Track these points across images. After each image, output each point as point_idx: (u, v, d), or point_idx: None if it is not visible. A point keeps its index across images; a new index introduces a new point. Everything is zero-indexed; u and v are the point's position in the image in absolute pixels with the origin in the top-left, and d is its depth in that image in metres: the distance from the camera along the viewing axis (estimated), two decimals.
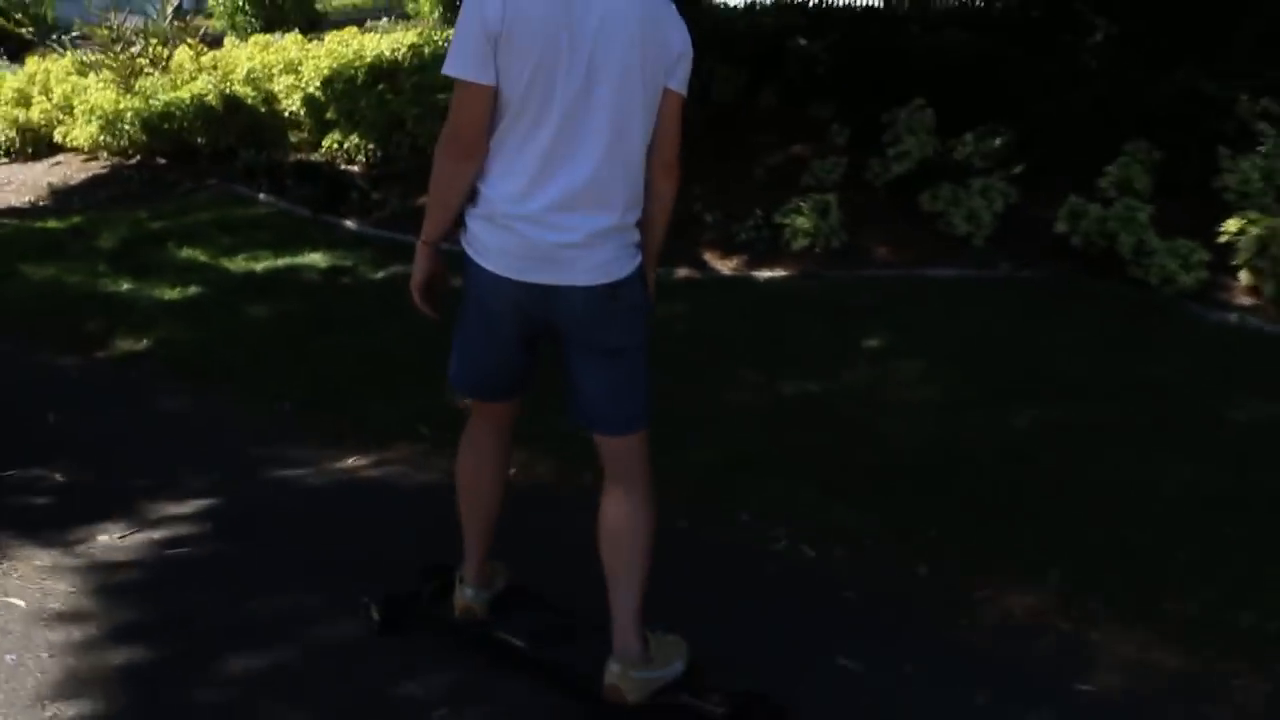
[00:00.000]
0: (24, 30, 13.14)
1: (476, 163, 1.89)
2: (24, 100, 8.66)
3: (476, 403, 2.22)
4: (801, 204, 4.66)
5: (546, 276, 1.93)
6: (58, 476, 2.97)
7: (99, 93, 8.06)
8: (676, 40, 1.89)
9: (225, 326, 4.12)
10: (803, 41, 6.53)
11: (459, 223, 1.99)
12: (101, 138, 7.75)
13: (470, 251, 2.00)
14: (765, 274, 4.57)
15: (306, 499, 2.83)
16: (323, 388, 3.50)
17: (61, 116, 8.35)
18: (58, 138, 8.32)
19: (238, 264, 4.96)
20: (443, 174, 1.96)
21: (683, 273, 4.60)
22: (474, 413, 2.23)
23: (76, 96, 8.23)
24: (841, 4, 8.25)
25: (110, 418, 3.38)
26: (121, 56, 8.58)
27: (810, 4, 7.87)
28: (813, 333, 3.88)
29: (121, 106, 7.73)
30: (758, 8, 8.17)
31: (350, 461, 3.02)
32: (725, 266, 4.71)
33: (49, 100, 8.47)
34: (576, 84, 1.84)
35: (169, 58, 8.81)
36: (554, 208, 1.90)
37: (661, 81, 1.89)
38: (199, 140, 7.74)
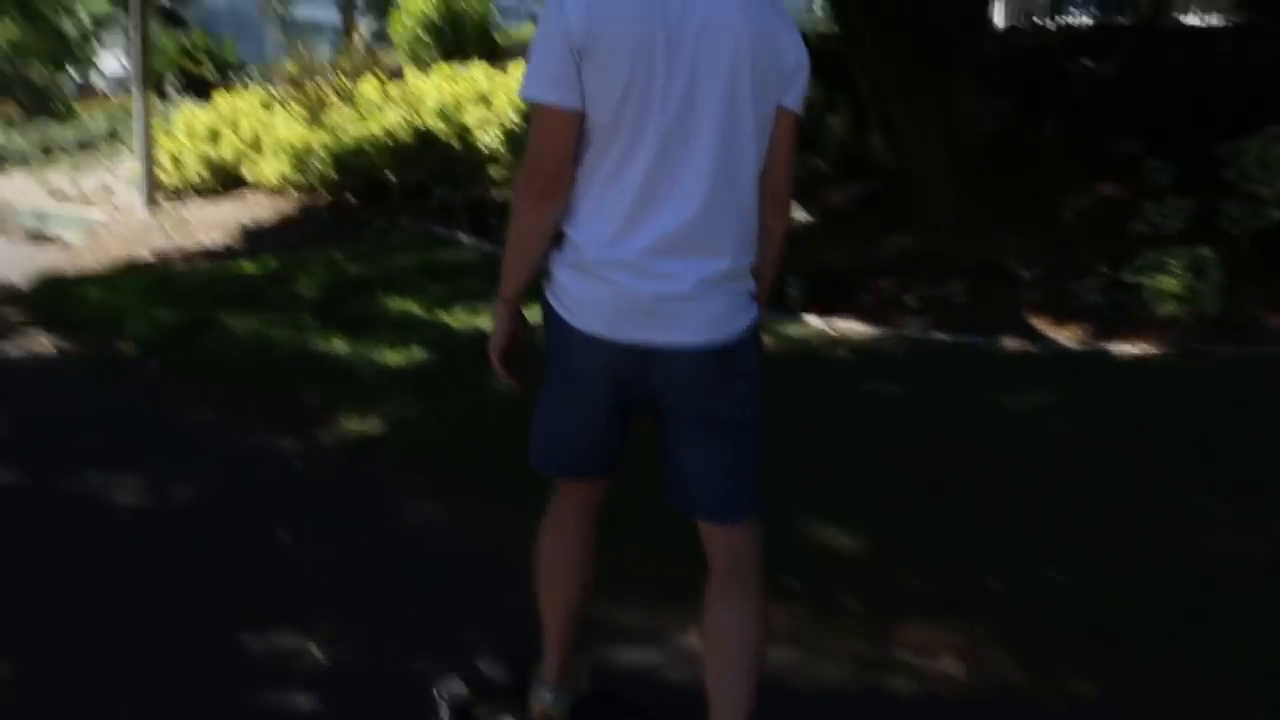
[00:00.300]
0: (206, 71, 13.37)
1: (561, 202, 1.66)
2: (214, 136, 8.54)
3: (562, 483, 1.97)
4: (1167, 260, 3.71)
5: (646, 335, 1.68)
6: (318, 654, 2.15)
7: (286, 127, 7.81)
8: (791, 50, 1.66)
9: (465, 401, 3.36)
10: (1089, 63, 5.59)
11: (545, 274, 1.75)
12: (290, 174, 7.45)
13: (556, 306, 1.76)
14: (1123, 348, 3.66)
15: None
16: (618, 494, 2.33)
17: (250, 153, 8.15)
18: (246, 174, 8.11)
19: (458, 319, 4.30)
20: (522, 217, 1.73)
21: (1012, 344, 3.71)
22: (559, 495, 1.98)
23: (265, 132, 8.00)
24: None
25: (358, 539, 2.61)
26: (308, 88, 8.40)
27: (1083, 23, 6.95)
28: (1261, 437, 2.92)
29: (311, 142, 7.43)
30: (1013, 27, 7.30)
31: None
32: (1063, 336, 3.80)
33: (238, 136, 8.29)
34: (676, 102, 1.61)
35: (354, 90, 8.58)
36: (654, 252, 1.66)
37: (775, 99, 1.67)
38: (390, 177, 7.35)
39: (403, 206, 7.03)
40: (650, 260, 1.67)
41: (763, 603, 1.84)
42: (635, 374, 1.74)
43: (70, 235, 9.13)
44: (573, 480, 1.95)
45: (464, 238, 5.94)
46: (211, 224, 7.44)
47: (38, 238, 9.83)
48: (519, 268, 1.77)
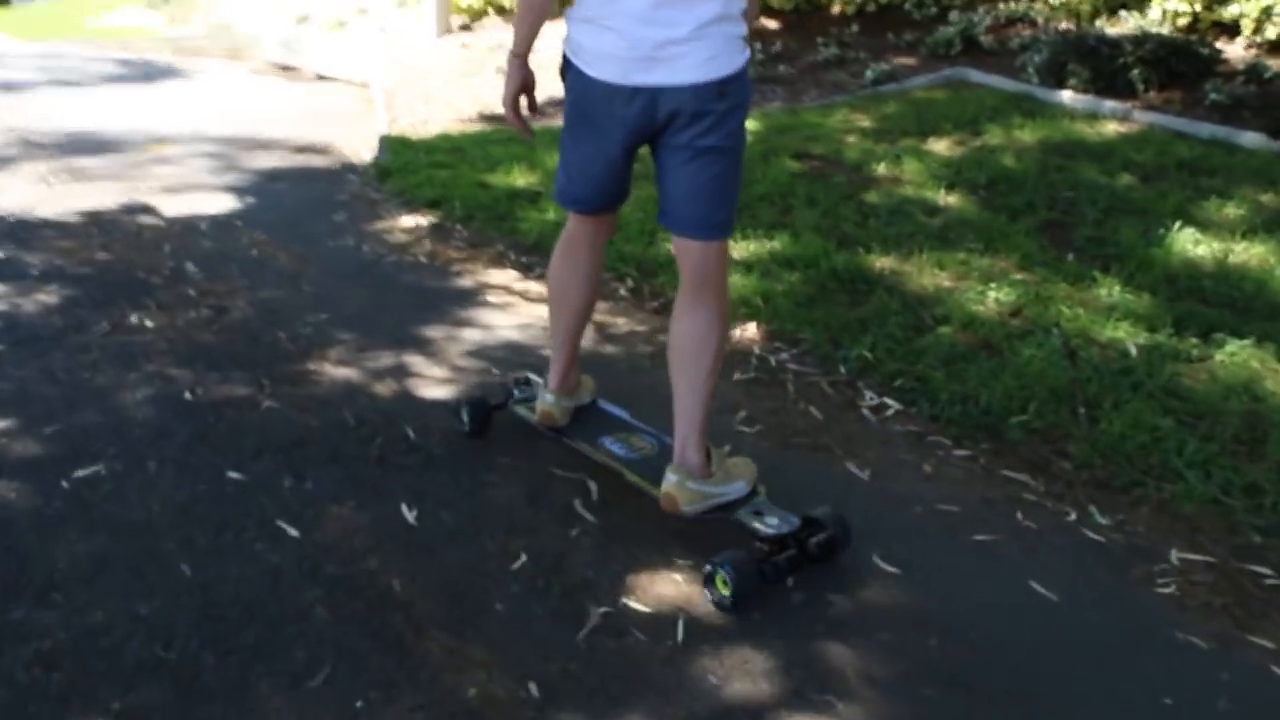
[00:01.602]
0: None
1: None
2: None
3: (576, 215, 2.27)
4: None
5: (654, 77, 1.91)
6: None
7: None
8: None
9: None
10: None
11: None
12: None
13: (574, 59, 1.99)
14: None
15: None
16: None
17: None
18: None
19: None
20: None
21: None
22: (573, 224, 2.29)
23: None
24: None
25: None
26: None
27: None
28: None
29: None
30: None
31: None
32: None
33: None
34: None
35: None
36: (654, 3, 1.87)
37: None
38: None
39: (853, 37, 7.75)
40: (652, 10, 1.89)
41: (723, 314, 2.11)
42: (644, 112, 1.97)
43: (347, 70, 8.93)
44: (587, 214, 2.26)
45: (1111, 104, 5.98)
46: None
47: (286, 68, 9.86)
48: (526, 24, 2.07)
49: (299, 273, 4.28)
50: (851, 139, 5.85)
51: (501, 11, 9.28)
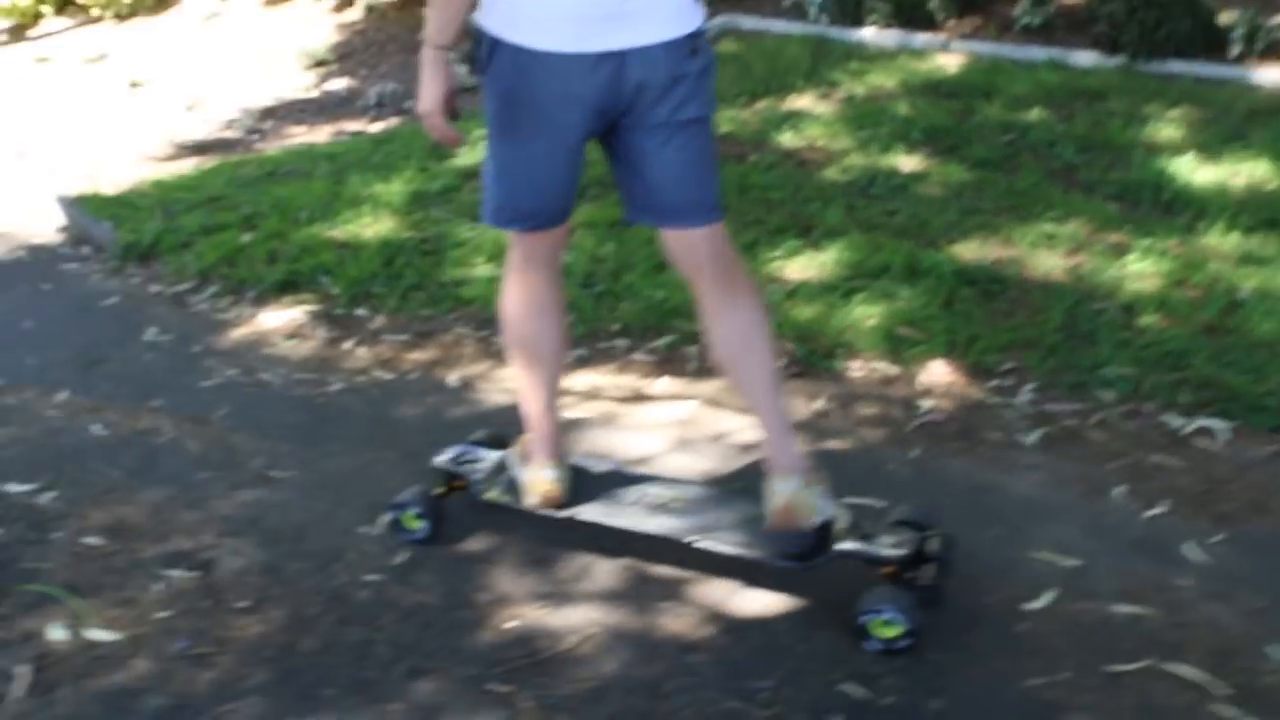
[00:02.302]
0: None
1: None
2: None
3: (521, 236, 1.90)
4: None
5: (620, 39, 1.64)
6: None
7: None
8: None
9: None
10: None
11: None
12: None
13: (510, 37, 1.66)
14: None
15: None
16: None
17: None
18: None
19: None
20: None
21: None
22: (518, 249, 1.92)
23: None
24: None
25: None
26: None
27: None
28: None
29: None
30: None
31: None
32: None
33: None
34: None
35: None
36: None
37: None
38: None
39: None
40: None
41: (755, 290, 1.92)
42: (609, 85, 1.68)
43: None
44: (540, 229, 1.88)
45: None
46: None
47: None
48: (452, 7, 1.70)
49: (237, 454, 2.73)
50: None
51: (65, 7, 7.56)
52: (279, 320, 3.60)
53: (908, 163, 4.36)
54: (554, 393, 2.06)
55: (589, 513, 2.13)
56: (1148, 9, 5.34)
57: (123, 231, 4.49)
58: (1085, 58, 5.56)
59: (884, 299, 3.29)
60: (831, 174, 4.28)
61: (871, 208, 3.96)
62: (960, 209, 3.91)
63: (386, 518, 2.31)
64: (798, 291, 3.36)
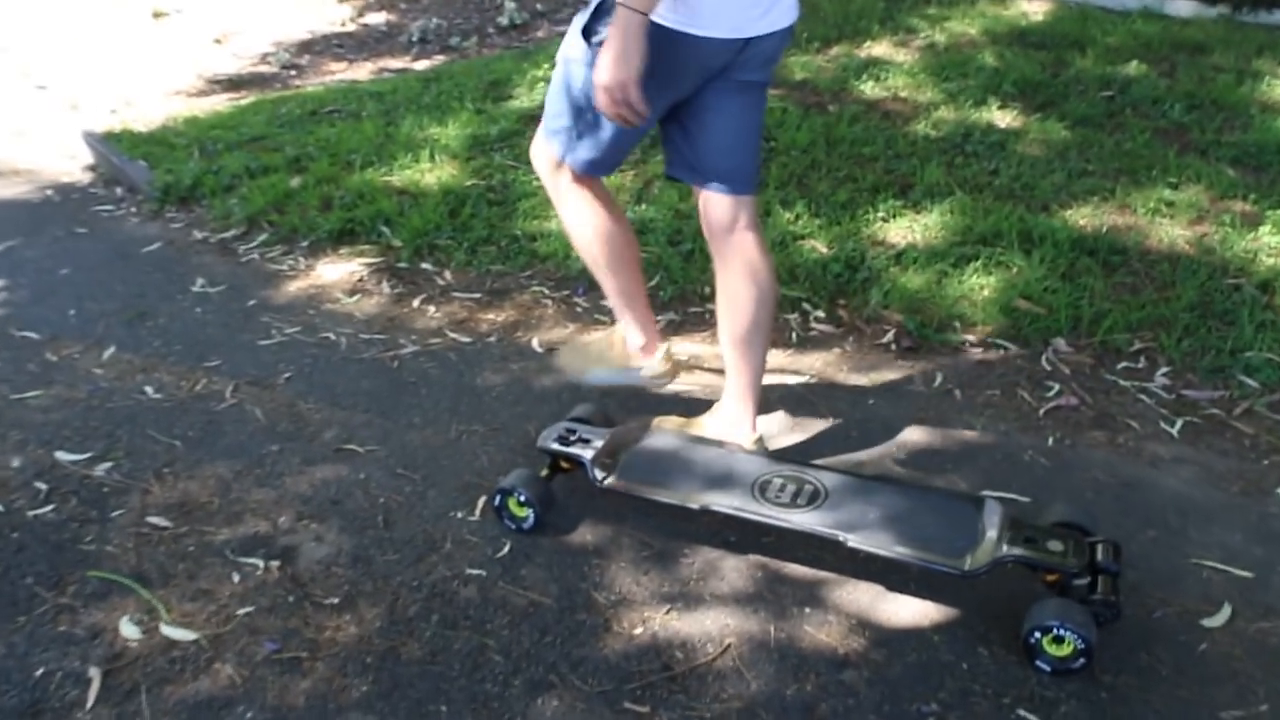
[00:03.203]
0: None
1: None
2: None
3: (592, 178, 2.13)
4: None
5: (764, 24, 1.84)
6: None
7: None
8: None
9: None
10: None
11: None
12: None
13: (684, 27, 1.76)
14: None
15: None
16: None
17: None
18: None
19: None
20: None
21: None
22: (588, 181, 2.13)
23: None
24: None
25: None
26: None
27: None
28: None
29: None
30: None
31: None
32: None
33: None
34: None
35: None
36: None
37: None
38: None
39: None
40: None
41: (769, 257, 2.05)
42: (733, 59, 1.85)
43: None
44: (607, 174, 2.16)
45: None
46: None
47: None
48: None
49: (352, 436, 2.49)
50: None
51: None
52: (338, 273, 3.35)
53: (1002, 118, 4.06)
54: (644, 289, 2.31)
55: (723, 502, 1.91)
56: None
57: (159, 172, 4.23)
58: (1183, 6, 5.22)
59: (998, 268, 3.03)
60: (922, 128, 3.99)
61: (970, 166, 3.68)
62: (1066, 171, 3.62)
63: (490, 502, 2.09)
64: (904, 257, 3.10)
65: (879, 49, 4.86)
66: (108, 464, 2.36)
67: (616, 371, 2.45)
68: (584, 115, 1.96)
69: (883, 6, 5.31)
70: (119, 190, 4.36)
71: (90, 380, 2.75)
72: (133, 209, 4.14)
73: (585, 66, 1.87)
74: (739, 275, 2.04)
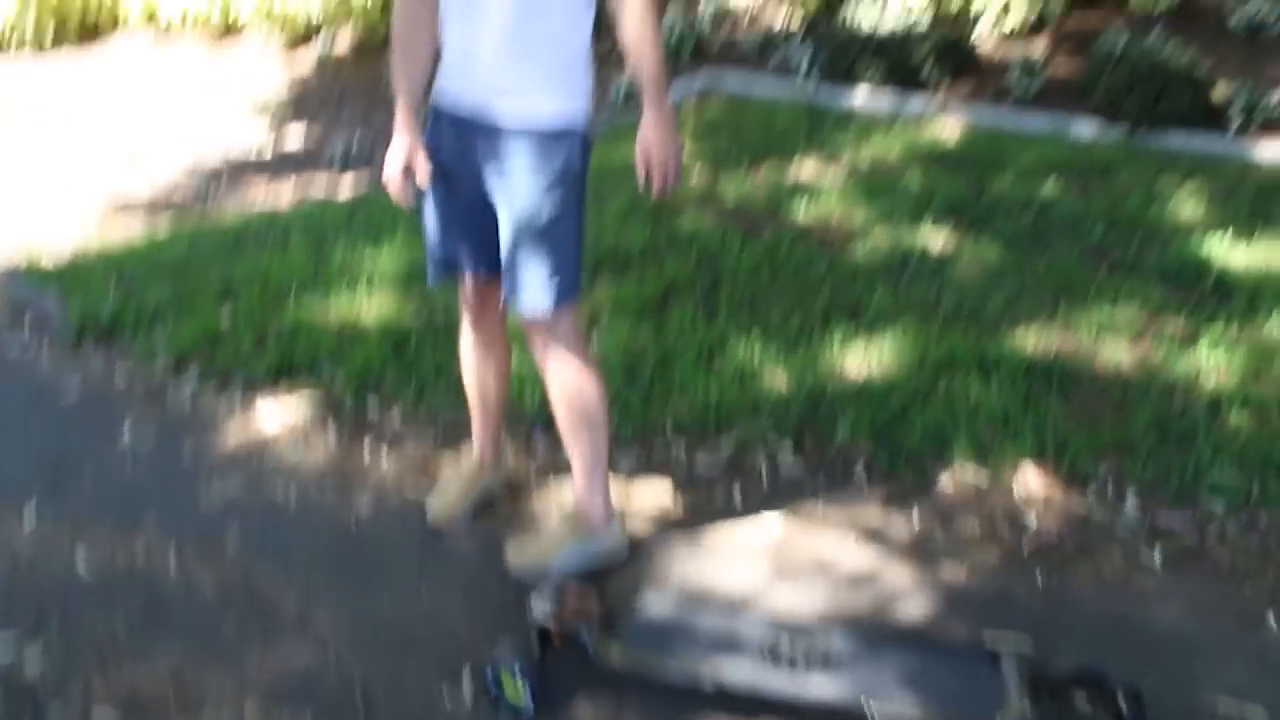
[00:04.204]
0: None
1: None
2: None
3: (575, 309, 2.24)
4: None
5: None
6: None
7: None
8: None
9: None
10: None
11: None
12: None
13: (586, 127, 2.11)
14: None
15: None
16: None
17: None
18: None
19: None
20: None
21: None
22: (573, 321, 2.24)
23: None
24: None
25: None
26: None
27: None
28: None
29: None
30: None
31: None
32: None
33: None
34: None
35: None
36: None
37: None
38: None
39: None
40: None
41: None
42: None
43: None
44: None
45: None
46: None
47: None
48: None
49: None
50: (695, 173, 4.90)
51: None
52: (278, 416, 3.18)
53: (936, 240, 4.16)
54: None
55: (737, 675, 1.81)
56: (1148, 81, 5.30)
57: (74, 306, 4.00)
58: (1085, 128, 5.49)
59: (959, 396, 3.03)
60: (861, 251, 4.05)
61: (914, 289, 3.74)
62: (1006, 293, 3.71)
63: (480, 682, 1.94)
64: (865, 388, 3.09)
65: (806, 170, 4.96)
66: (36, 646, 2.13)
67: (582, 544, 2.35)
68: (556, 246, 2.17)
69: (806, 128, 5.44)
70: (27, 326, 4.10)
71: (8, 549, 2.52)
72: (45, 347, 3.89)
73: None
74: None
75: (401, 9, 2.17)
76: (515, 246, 2.14)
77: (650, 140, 2.05)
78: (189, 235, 4.85)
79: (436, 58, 2.23)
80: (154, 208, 5.61)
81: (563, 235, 2.16)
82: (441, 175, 2.21)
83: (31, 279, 4.33)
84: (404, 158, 2.17)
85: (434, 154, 2.21)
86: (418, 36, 2.16)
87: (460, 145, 2.18)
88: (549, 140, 2.11)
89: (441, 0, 2.14)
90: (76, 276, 4.33)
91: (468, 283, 2.37)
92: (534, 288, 2.14)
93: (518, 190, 2.12)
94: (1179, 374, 3.20)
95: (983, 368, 3.19)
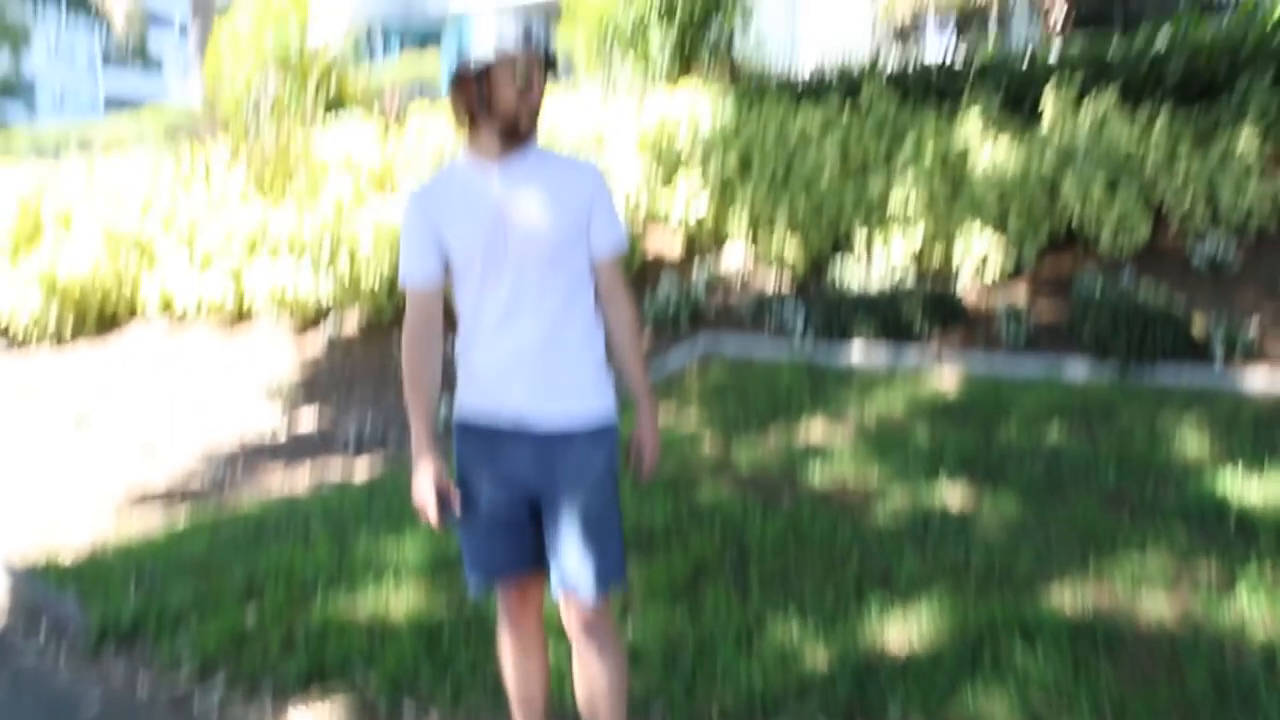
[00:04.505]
0: None
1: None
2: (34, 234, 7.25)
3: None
4: None
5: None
6: None
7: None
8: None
9: None
10: None
11: None
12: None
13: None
14: None
15: None
16: None
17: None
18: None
19: None
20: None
21: None
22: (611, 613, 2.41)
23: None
24: None
25: None
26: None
27: None
28: None
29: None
30: None
31: None
32: None
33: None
34: None
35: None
36: None
37: None
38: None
39: None
40: None
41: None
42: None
43: None
44: None
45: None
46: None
47: None
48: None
49: None
50: (707, 442, 4.99)
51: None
52: None
53: (953, 496, 4.21)
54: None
55: None
56: (1131, 320, 5.54)
57: (94, 609, 3.96)
58: (1077, 368, 5.68)
59: (1007, 667, 2.98)
60: (882, 515, 4.09)
61: (941, 551, 3.75)
62: (1033, 548, 3.72)
63: None
64: (910, 663, 3.04)
65: (815, 430, 5.08)
66: None
67: None
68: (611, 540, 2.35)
69: (808, 388, 5.61)
70: (44, 630, 4.04)
71: None
72: (63, 654, 3.82)
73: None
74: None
75: (412, 346, 2.32)
76: (569, 540, 2.23)
77: (645, 438, 2.40)
78: (209, 527, 4.87)
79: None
80: (172, 498, 5.65)
81: (613, 522, 2.28)
82: (475, 491, 2.29)
83: (49, 579, 4.30)
84: (433, 484, 2.27)
85: (466, 471, 2.30)
86: (430, 369, 2.32)
87: (498, 455, 2.28)
88: (595, 437, 2.26)
89: (465, 327, 2.31)
90: (95, 576, 4.31)
91: (508, 586, 2.40)
92: (589, 575, 2.24)
93: (569, 487, 2.22)
94: (1225, 625, 3.17)
95: (1025, 632, 3.16)
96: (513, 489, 2.29)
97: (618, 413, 2.34)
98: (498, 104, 2.20)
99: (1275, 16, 7.19)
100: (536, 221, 2.23)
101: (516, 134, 2.23)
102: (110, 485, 5.93)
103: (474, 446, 2.32)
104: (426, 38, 25.35)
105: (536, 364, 2.25)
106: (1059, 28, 13.58)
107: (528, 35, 2.19)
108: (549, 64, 2.25)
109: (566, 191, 2.28)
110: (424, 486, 2.27)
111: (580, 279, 2.31)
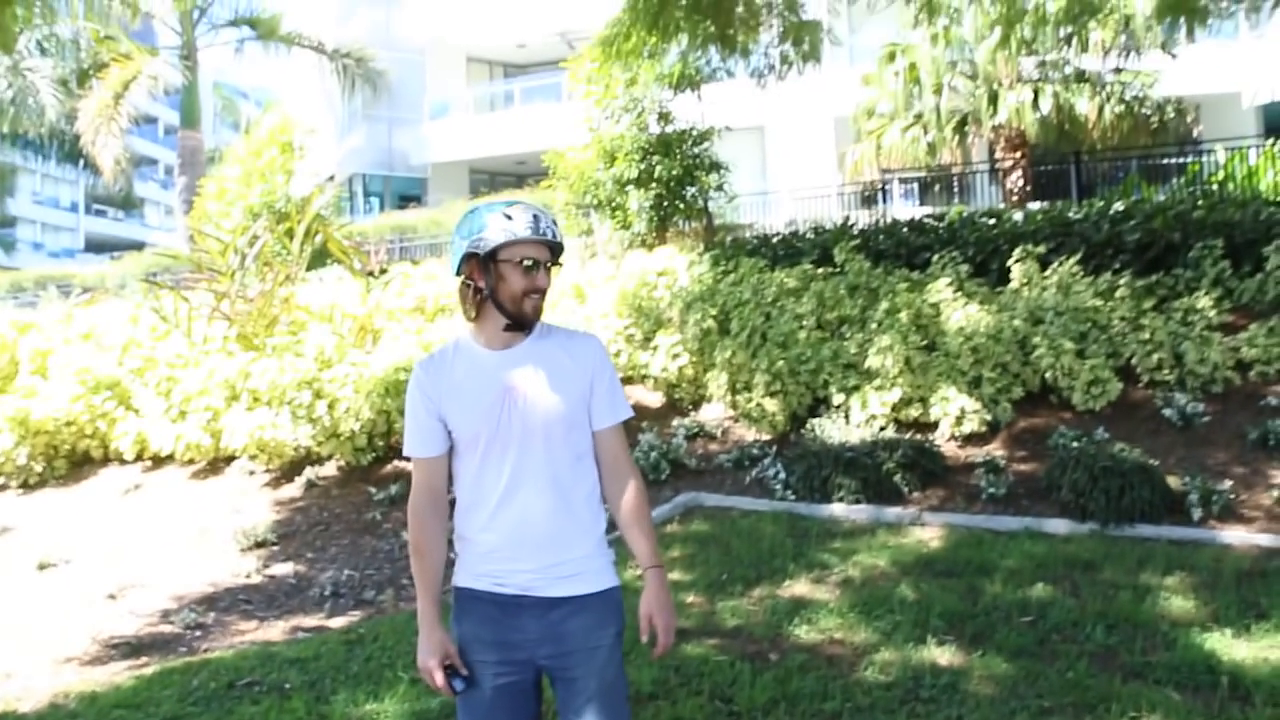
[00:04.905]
0: None
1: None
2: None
3: None
4: None
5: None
6: None
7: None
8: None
9: None
10: None
11: None
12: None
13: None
14: None
15: None
16: None
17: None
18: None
19: None
20: None
21: None
22: None
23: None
24: None
25: None
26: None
27: None
28: None
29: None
30: None
31: None
32: None
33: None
34: None
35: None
36: None
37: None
38: None
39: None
40: None
41: None
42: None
43: None
44: None
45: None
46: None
47: None
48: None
49: None
50: (692, 596, 4.97)
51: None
52: None
53: (942, 656, 4.19)
54: None
55: None
56: (1109, 477, 5.64)
57: None
58: (1056, 524, 5.74)
59: None
60: (871, 674, 4.06)
61: (935, 714, 3.70)
62: (1026, 711, 3.69)
63: None
64: None
65: (799, 588, 5.07)
66: None
67: None
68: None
69: (792, 543, 5.62)
70: None
71: None
72: None
73: None
74: None
75: (417, 518, 2.38)
76: (582, 700, 2.23)
77: (656, 607, 2.36)
78: (178, 679, 4.71)
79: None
80: (140, 647, 5.47)
81: (623, 683, 2.31)
82: (478, 663, 2.32)
83: None
84: (439, 653, 2.30)
85: (467, 644, 2.33)
86: (435, 540, 2.38)
87: (503, 625, 2.30)
88: (607, 598, 2.30)
89: (465, 499, 2.36)
90: None
91: None
92: None
93: (583, 658, 2.23)
94: None
95: None
96: (518, 659, 2.30)
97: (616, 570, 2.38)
98: (505, 292, 2.28)
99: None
100: (541, 400, 2.30)
101: (522, 324, 2.32)
102: (75, 633, 5.74)
103: (477, 616, 2.34)
104: (407, 197, 26.05)
105: (543, 537, 2.30)
106: (1016, 196, 14.24)
107: (536, 224, 2.28)
108: (555, 253, 2.34)
109: (570, 366, 2.36)
110: (429, 655, 2.30)
111: (584, 449, 2.37)
